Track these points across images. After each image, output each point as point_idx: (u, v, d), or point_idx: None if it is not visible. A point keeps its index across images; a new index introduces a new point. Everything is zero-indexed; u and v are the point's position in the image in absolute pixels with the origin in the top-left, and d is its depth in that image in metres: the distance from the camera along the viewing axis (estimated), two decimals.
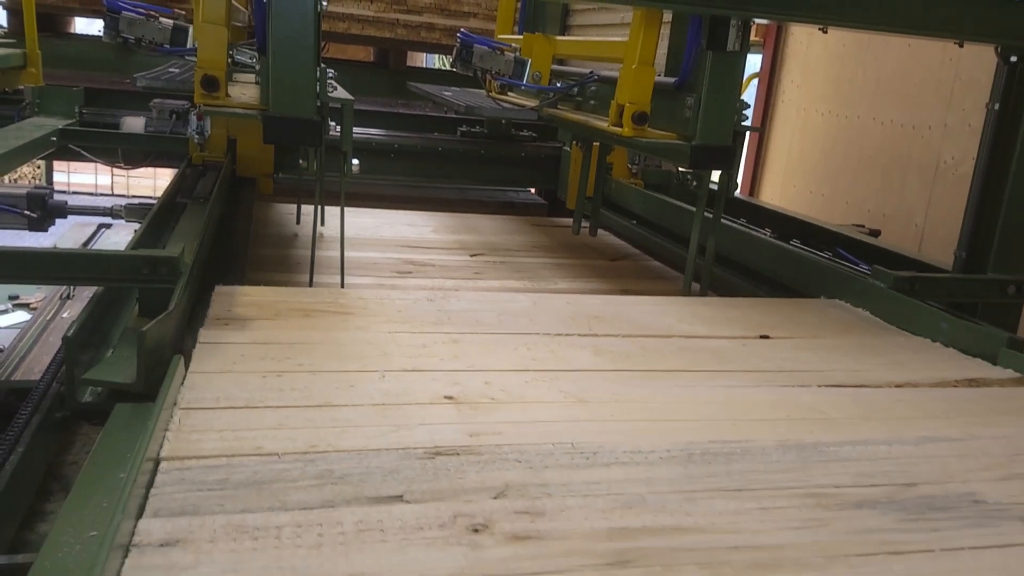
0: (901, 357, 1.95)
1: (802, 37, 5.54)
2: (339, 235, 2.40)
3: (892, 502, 1.25)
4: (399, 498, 1.11)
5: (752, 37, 2.37)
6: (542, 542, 1.05)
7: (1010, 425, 1.59)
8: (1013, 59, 2.28)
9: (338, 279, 2.44)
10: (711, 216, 2.58)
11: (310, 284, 2.49)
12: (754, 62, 5.80)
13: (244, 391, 1.42)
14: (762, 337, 2.02)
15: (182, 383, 1.44)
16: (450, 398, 1.47)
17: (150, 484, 1.08)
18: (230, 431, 1.27)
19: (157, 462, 1.15)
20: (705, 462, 1.32)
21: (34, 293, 5.82)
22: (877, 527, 1.18)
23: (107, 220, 4.66)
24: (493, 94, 3.47)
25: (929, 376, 1.84)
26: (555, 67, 3.35)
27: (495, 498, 1.14)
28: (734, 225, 3.05)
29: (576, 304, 2.16)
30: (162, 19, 2.53)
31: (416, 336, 1.80)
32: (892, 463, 1.39)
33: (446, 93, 3.78)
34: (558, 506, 1.13)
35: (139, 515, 1.01)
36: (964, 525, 1.21)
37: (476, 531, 1.05)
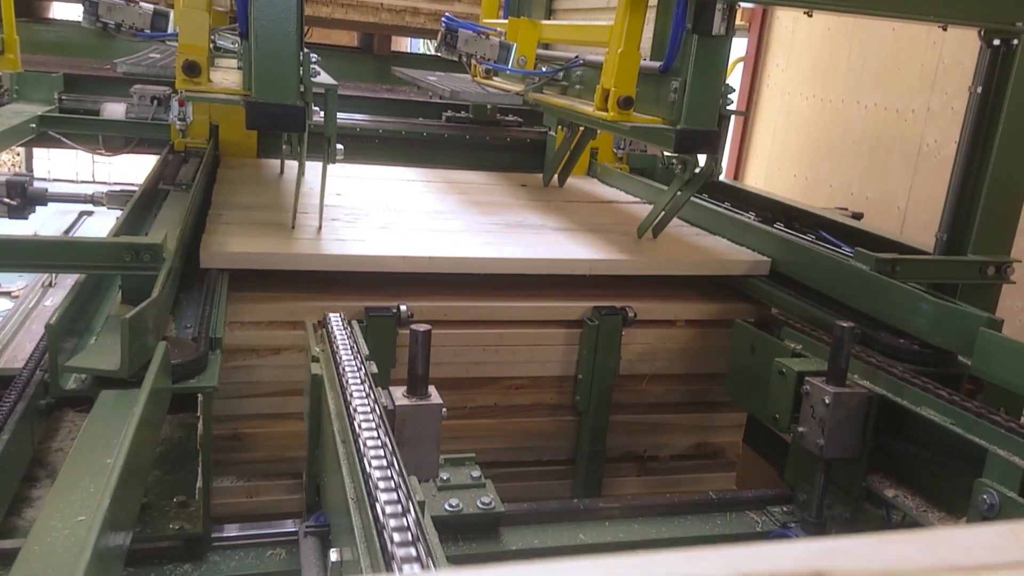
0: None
1: (787, 21, 5.54)
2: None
3: (508, 226, 2.87)
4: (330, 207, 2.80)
5: (737, 21, 2.37)
6: (356, 225, 2.69)
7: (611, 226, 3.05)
8: (996, 42, 2.29)
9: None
10: (697, 199, 2.59)
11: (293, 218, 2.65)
12: (739, 46, 5.80)
13: (249, 195, 3.02)
14: (522, 185, 3.68)
15: (166, 363, 1.44)
16: (339, 195, 3.08)
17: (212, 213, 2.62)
18: (246, 200, 2.92)
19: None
20: (447, 214, 2.98)
21: (15, 281, 5.76)
22: (495, 230, 2.80)
23: (88, 207, 4.60)
24: (478, 79, 3.46)
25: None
26: (540, 51, 3.33)
27: (345, 215, 2.79)
28: (718, 209, 3.07)
29: (434, 172, 3.80)
30: (142, 4, 2.51)
31: (336, 178, 3.27)
32: (534, 218, 3.03)
33: (431, 78, 3.76)
34: (369, 218, 2.80)
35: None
36: (529, 231, 2.85)
37: (334, 219, 2.74)
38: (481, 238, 2.69)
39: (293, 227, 2.54)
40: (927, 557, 1.21)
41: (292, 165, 3.17)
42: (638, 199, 3.53)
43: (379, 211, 2.90)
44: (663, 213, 2.76)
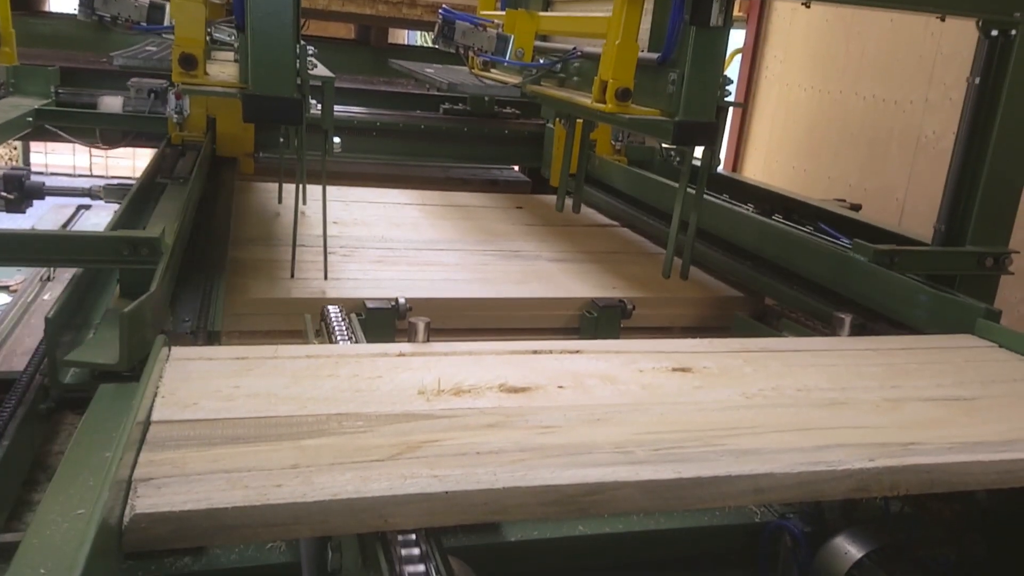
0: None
1: (785, 12, 5.53)
2: (321, 216, 2.39)
3: (504, 257, 2.93)
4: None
5: (735, 12, 2.36)
6: (352, 258, 2.74)
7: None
8: (994, 33, 2.28)
9: (321, 254, 2.43)
10: (693, 192, 2.58)
11: (292, 266, 2.48)
12: (737, 37, 5.78)
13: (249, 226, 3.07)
14: (517, 207, 3.73)
15: (166, 362, 1.44)
16: (335, 223, 3.11)
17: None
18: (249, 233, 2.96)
19: None
20: (442, 244, 3.03)
21: (13, 276, 5.75)
22: (490, 262, 2.86)
23: (86, 201, 4.60)
24: (476, 71, 3.45)
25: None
26: (538, 43, 3.32)
27: (341, 248, 2.81)
28: (717, 201, 3.06)
29: (425, 194, 3.83)
30: None
31: (336, 202, 3.40)
32: (529, 246, 3.10)
33: (428, 70, 3.74)
34: (365, 251, 2.83)
35: None
36: (523, 262, 2.90)
37: (331, 252, 2.59)
38: (475, 273, 2.71)
39: (292, 276, 2.47)
40: (648, 347, 1.77)
41: (289, 189, 2.93)
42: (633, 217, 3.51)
43: (375, 242, 2.93)
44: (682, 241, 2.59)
